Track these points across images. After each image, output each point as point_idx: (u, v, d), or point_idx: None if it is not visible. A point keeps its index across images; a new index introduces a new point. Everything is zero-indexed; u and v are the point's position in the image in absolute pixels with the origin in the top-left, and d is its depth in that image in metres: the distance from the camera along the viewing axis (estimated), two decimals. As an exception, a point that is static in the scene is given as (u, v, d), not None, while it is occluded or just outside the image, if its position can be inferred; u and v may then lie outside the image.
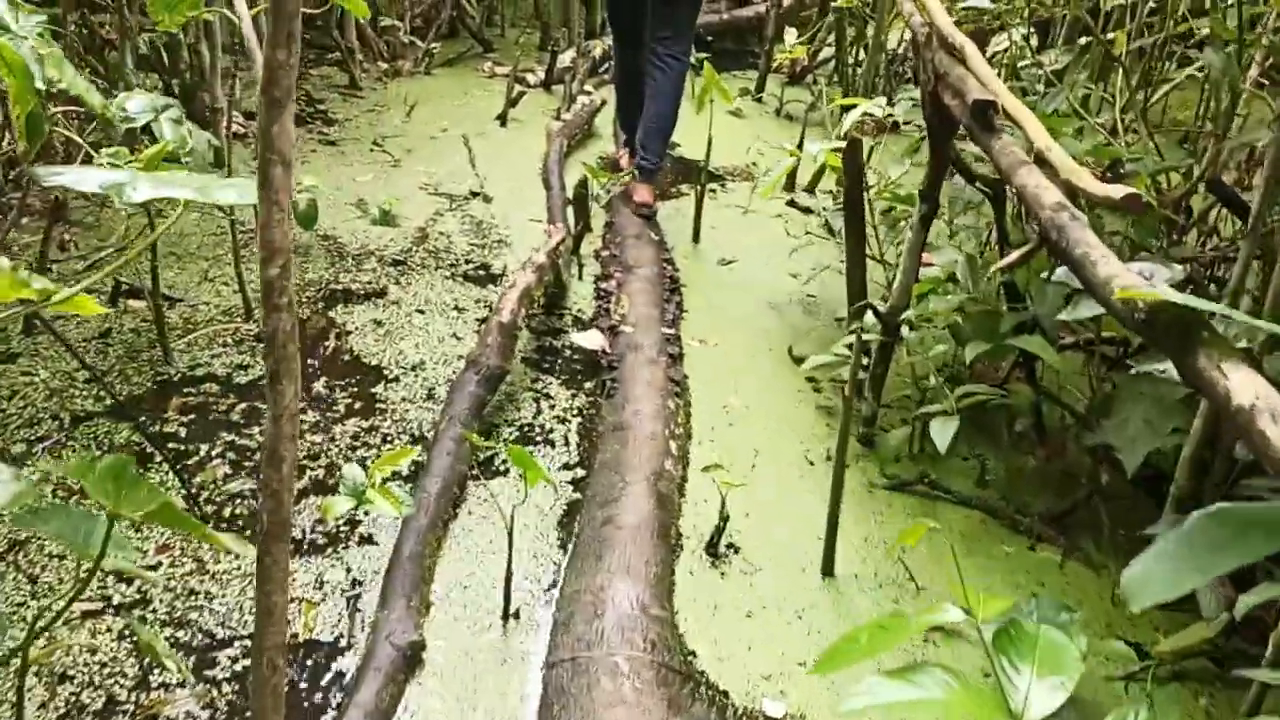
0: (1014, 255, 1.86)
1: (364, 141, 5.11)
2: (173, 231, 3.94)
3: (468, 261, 4.05)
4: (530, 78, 6.21)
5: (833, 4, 6.07)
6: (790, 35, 5.57)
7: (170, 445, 2.78)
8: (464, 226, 4.35)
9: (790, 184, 5.11)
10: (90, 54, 4.41)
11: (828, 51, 7.16)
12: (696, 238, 4.46)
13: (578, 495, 2.77)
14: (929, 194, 2.73)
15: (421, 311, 3.63)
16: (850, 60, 6.21)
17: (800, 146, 5.08)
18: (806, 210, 4.46)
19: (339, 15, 5.75)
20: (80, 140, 3.01)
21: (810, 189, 5.10)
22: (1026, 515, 2.81)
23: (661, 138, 4.60)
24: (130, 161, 2.84)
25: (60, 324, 3.15)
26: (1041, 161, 1.98)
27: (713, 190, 5.09)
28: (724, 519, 2.58)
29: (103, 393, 2.96)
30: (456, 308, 3.69)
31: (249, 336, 3.35)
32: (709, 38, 7.26)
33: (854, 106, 3.30)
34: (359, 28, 6.17)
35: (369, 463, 2.73)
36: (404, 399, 3.13)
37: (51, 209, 3.18)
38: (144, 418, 2.85)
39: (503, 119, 5.55)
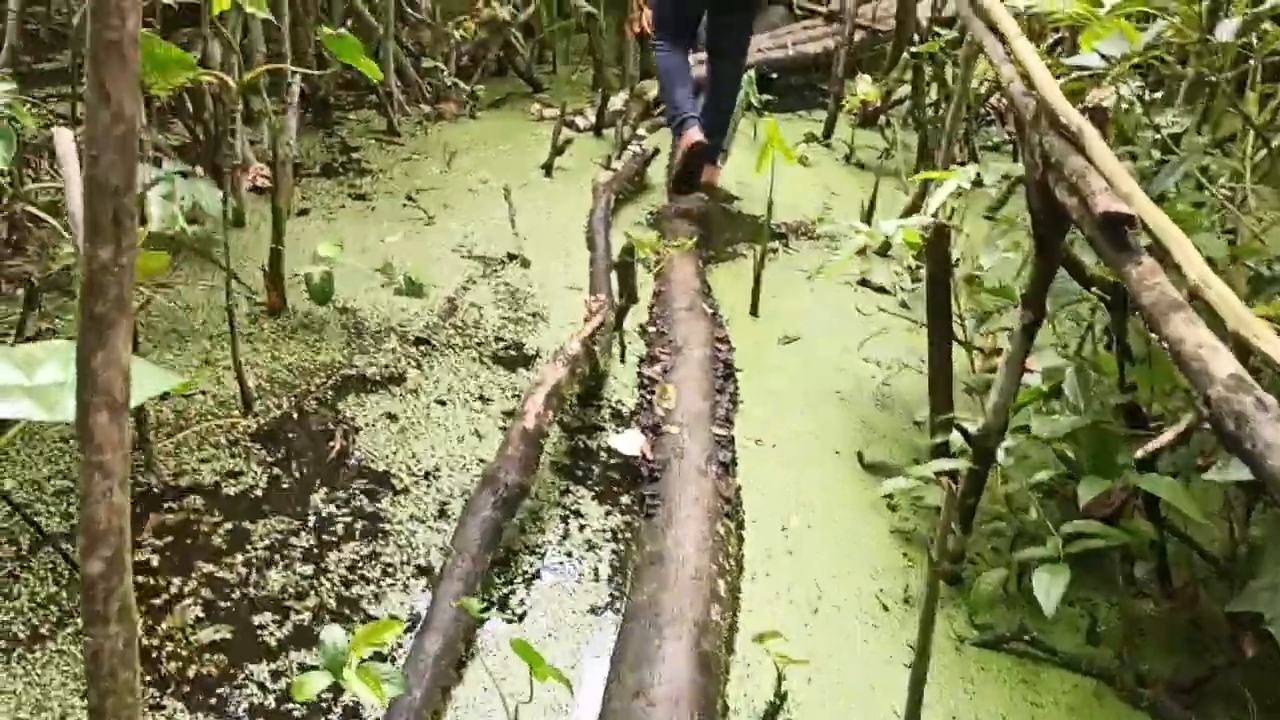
0: (1166, 436, 1.42)
1: (397, 195, 4.77)
2: (177, 303, 3.62)
3: (499, 339, 3.67)
4: (580, 121, 5.86)
5: (909, 42, 5.63)
6: (864, 82, 5.13)
7: (139, 578, 2.42)
8: (497, 296, 3.98)
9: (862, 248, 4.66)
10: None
11: (902, 90, 6.71)
12: (755, 310, 4.04)
13: (603, 657, 2.36)
14: (1033, 300, 2.29)
15: (442, 402, 3.26)
16: (927, 102, 5.75)
17: (872, 206, 4.66)
18: (880, 289, 4.01)
19: (375, 56, 5.45)
20: (53, 223, 2.69)
21: (882, 252, 4.65)
22: (1148, 684, 2.34)
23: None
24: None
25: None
26: (1194, 295, 1.54)
27: (773, 249, 4.67)
28: (780, 697, 2.15)
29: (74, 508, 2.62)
30: (481, 397, 3.31)
31: (246, 435, 3.01)
32: (773, 74, 6.86)
33: (931, 177, 2.87)
34: (399, 69, 5.87)
35: (357, 623, 2.36)
36: (413, 516, 2.75)
37: (26, 297, 2.87)
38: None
39: (548, 168, 5.19)
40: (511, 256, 4.32)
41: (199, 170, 4.53)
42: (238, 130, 4.11)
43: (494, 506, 2.56)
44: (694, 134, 4.71)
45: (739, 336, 3.85)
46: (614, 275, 4.07)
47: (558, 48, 6.96)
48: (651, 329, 3.84)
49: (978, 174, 3.02)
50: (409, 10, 6.30)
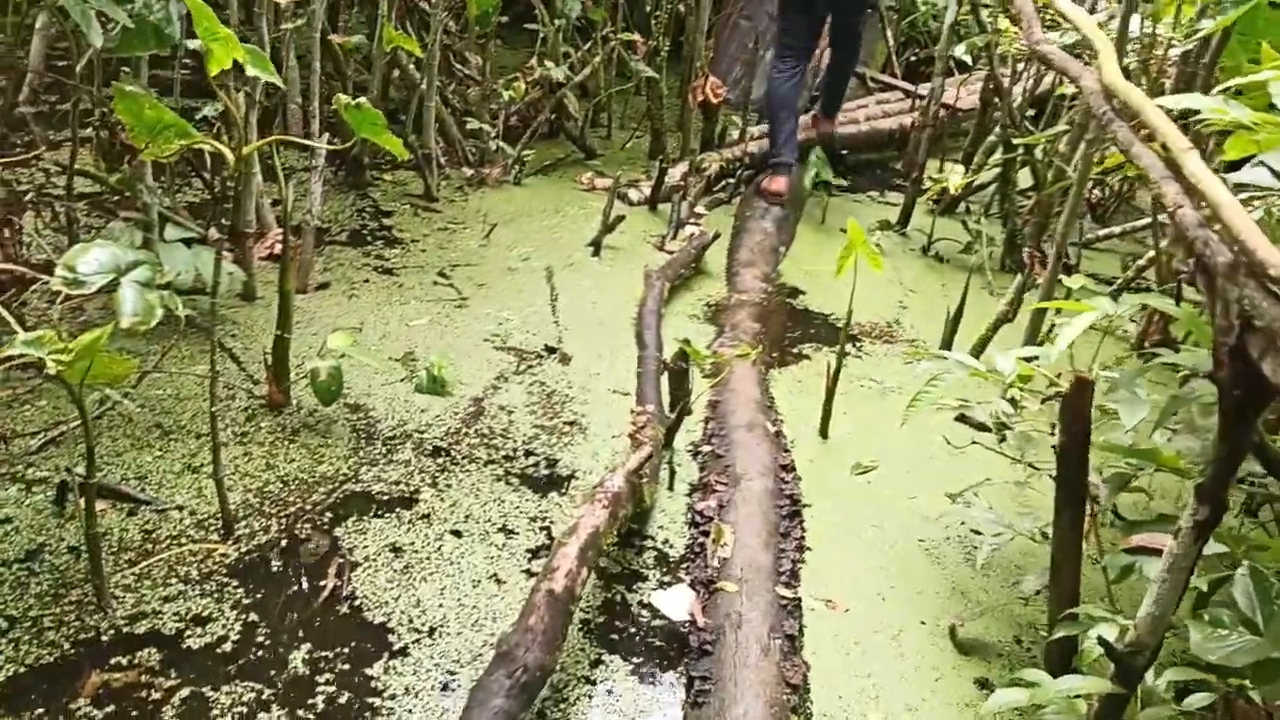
0: None
1: (429, 271, 4.38)
2: (165, 393, 3.23)
3: (529, 452, 3.23)
4: (633, 193, 5.46)
5: (1003, 126, 5.19)
6: (956, 174, 4.67)
7: (64, 763, 1.99)
8: (531, 398, 3.55)
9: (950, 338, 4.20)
10: (109, 161, 3.79)
11: (984, 174, 6.28)
12: (825, 430, 3.57)
13: None
14: (1212, 493, 1.80)
15: (457, 533, 2.82)
16: (1016, 189, 5.30)
17: (959, 314, 4.19)
18: (981, 427, 3.53)
19: (416, 114, 5.11)
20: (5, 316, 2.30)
21: (977, 353, 4.18)
22: None
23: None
24: (55, 352, 2.12)
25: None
26: None
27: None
28: None
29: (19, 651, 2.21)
30: (504, 529, 2.86)
31: (223, 567, 2.58)
32: (844, 150, 6.44)
33: (1051, 306, 2.42)
34: (442, 127, 5.52)
35: None
36: (408, 689, 2.30)
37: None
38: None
39: (596, 246, 4.79)
40: (550, 350, 3.89)
41: (213, 233, 4.19)
42: (249, 192, 3.73)
43: (508, 693, 2.09)
44: (781, 184, 5.51)
45: (806, 462, 3.39)
46: (665, 379, 3.64)
47: (614, 112, 6.60)
48: (705, 449, 3.39)
49: (1105, 302, 2.56)
50: (456, 65, 5.98)
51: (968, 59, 5.75)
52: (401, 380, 3.52)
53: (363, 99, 2.52)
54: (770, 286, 4.69)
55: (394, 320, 3.93)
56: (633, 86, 6.38)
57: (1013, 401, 3.29)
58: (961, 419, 3.63)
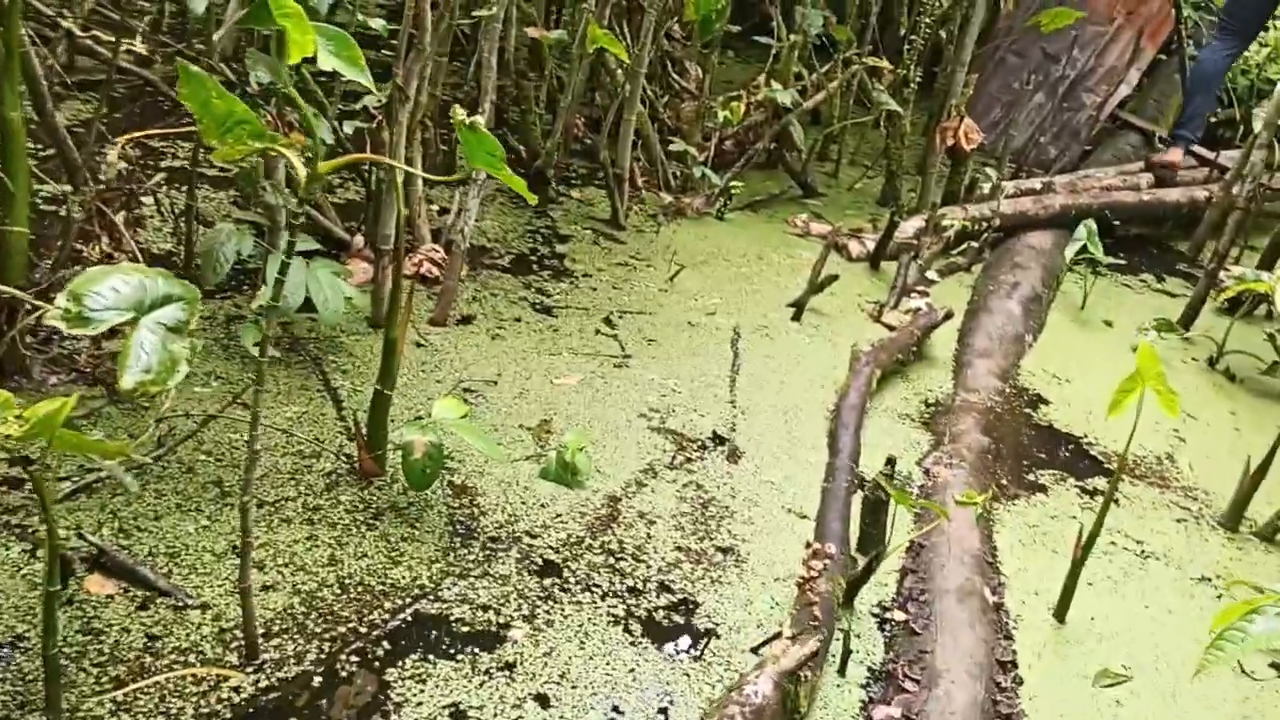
0: None
1: (594, 315, 3.74)
2: (241, 438, 2.69)
3: (663, 587, 2.51)
4: (854, 246, 4.65)
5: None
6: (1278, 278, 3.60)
7: None
8: (682, 506, 2.83)
9: (1243, 505, 3.24)
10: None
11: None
12: (1063, 610, 2.69)
13: None
14: None
15: (543, 700, 2.13)
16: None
17: (1266, 466, 3.18)
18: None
19: (613, 125, 4.48)
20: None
21: (1270, 534, 3.20)
22: None
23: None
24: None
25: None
26: None
27: (1089, 492, 3.30)
28: None
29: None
30: (608, 703, 2.15)
31: (228, 708, 1.98)
32: (1115, 221, 5.41)
33: None
34: (645, 146, 4.88)
35: None
36: None
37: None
38: None
39: (799, 308, 4.02)
40: (718, 440, 3.16)
41: (360, 242, 3.68)
42: (390, 201, 3.17)
43: None
44: (1175, 156, 5.78)
45: (1033, 655, 2.52)
46: (858, 502, 2.86)
47: (845, 146, 5.80)
48: (898, 617, 2.58)
49: None
50: (673, 76, 5.33)
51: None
52: (527, 457, 2.88)
53: (478, 117, 1.87)
54: (1008, 388, 3.79)
55: (538, 375, 3.29)
56: (872, 120, 5.56)
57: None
58: (1275, 666, 2.65)
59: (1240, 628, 1.88)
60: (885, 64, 5.23)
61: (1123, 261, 5.18)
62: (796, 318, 4.02)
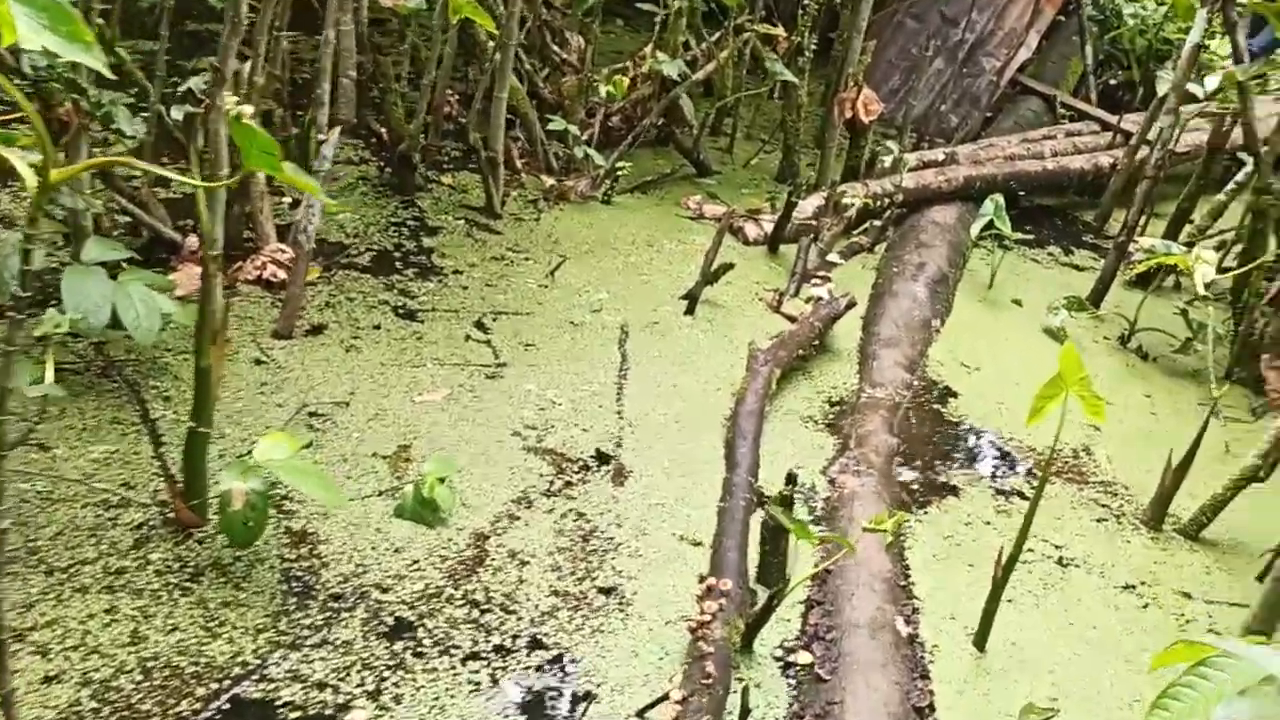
0: None
1: (464, 318, 3.39)
2: (31, 488, 2.29)
3: (535, 643, 2.20)
4: (751, 229, 4.36)
5: (1257, 190, 3.93)
6: (1204, 263, 3.34)
7: None
8: (560, 541, 2.52)
9: (1164, 503, 3.04)
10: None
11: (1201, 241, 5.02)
12: (983, 638, 2.44)
13: None
14: None
15: (389, 801, 1.80)
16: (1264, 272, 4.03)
17: (1188, 460, 2.98)
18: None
19: (481, 103, 4.11)
20: None
21: (1204, 523, 3.01)
22: None
23: None
24: None
25: None
26: None
27: (1005, 494, 3.08)
28: None
29: None
30: (466, 797, 1.84)
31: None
32: (1020, 192, 5.22)
33: None
34: (525, 125, 4.52)
35: None
36: None
37: None
38: None
39: (692, 301, 3.72)
40: (602, 458, 2.85)
41: (193, 242, 3.28)
42: (216, 200, 2.76)
43: None
44: None
45: (953, 694, 2.28)
46: (758, 526, 2.58)
47: (740, 119, 5.49)
48: (802, 660, 2.30)
49: None
50: (553, 48, 4.96)
51: (1200, 90, 4.49)
52: (381, 494, 2.53)
53: (245, 108, 1.52)
54: (916, 380, 3.55)
55: (397, 391, 2.94)
56: (767, 91, 5.27)
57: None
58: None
59: (1189, 684, 1.64)
60: (779, 31, 4.93)
61: (1030, 235, 4.99)
62: (690, 311, 3.71)
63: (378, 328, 3.23)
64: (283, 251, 3.30)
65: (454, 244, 3.85)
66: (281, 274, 3.26)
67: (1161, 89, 4.80)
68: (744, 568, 2.44)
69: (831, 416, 3.30)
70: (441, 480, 2.49)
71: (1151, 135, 4.72)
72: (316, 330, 3.14)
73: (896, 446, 3.13)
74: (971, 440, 3.36)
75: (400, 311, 3.34)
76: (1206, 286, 3.30)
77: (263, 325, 3.09)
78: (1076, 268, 4.91)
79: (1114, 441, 3.46)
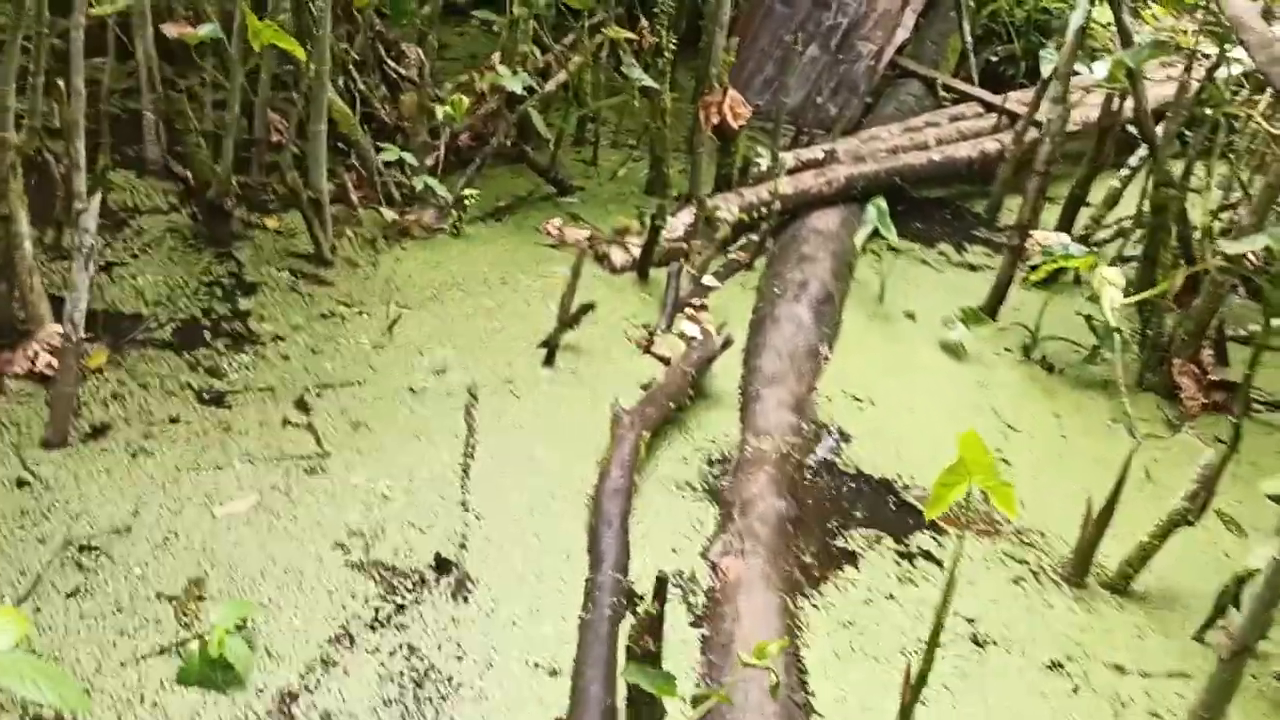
0: None
1: (282, 396, 2.94)
2: None
3: (352, 841, 1.79)
4: (617, 255, 3.97)
5: (1152, 177, 3.67)
6: (1110, 285, 3.03)
7: None
8: (387, 688, 2.11)
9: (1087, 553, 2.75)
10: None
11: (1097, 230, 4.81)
12: (894, 754, 2.11)
13: None
14: None
15: None
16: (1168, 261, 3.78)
17: (1115, 495, 2.68)
18: None
19: (296, 129, 3.64)
20: None
21: (1130, 575, 2.72)
22: None
23: None
24: None
25: None
26: None
27: (908, 555, 2.76)
28: None
29: None
30: None
31: None
32: (904, 186, 4.92)
33: None
34: (359, 154, 4.06)
35: None
36: None
37: None
38: None
39: (551, 349, 3.32)
40: (442, 566, 2.44)
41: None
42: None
43: None
44: None
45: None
46: (622, 653, 2.19)
47: (603, 127, 5.08)
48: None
49: None
50: (389, 64, 4.49)
51: (1087, 72, 4.24)
52: (163, 651, 2.09)
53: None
54: (805, 424, 3.21)
55: (193, 505, 2.48)
56: (624, 99, 4.87)
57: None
58: None
59: None
60: (633, 34, 4.51)
61: (920, 230, 4.71)
62: (549, 361, 3.32)
63: (175, 420, 2.76)
64: (54, 338, 2.81)
65: (275, 302, 3.39)
66: (49, 369, 2.77)
67: (1045, 69, 4.53)
68: (611, 702, 2.06)
69: (712, 479, 2.94)
70: (240, 627, 2.07)
71: (1040, 121, 4.45)
72: (98, 432, 2.66)
73: (785, 511, 2.78)
74: (869, 494, 3.02)
75: (205, 396, 2.88)
76: (1114, 312, 3.01)
77: (30, 433, 2.61)
78: (971, 267, 4.63)
79: (1024, 473, 3.16)
